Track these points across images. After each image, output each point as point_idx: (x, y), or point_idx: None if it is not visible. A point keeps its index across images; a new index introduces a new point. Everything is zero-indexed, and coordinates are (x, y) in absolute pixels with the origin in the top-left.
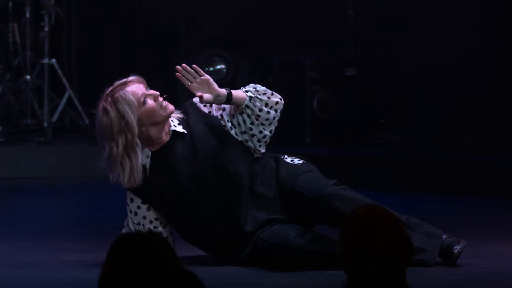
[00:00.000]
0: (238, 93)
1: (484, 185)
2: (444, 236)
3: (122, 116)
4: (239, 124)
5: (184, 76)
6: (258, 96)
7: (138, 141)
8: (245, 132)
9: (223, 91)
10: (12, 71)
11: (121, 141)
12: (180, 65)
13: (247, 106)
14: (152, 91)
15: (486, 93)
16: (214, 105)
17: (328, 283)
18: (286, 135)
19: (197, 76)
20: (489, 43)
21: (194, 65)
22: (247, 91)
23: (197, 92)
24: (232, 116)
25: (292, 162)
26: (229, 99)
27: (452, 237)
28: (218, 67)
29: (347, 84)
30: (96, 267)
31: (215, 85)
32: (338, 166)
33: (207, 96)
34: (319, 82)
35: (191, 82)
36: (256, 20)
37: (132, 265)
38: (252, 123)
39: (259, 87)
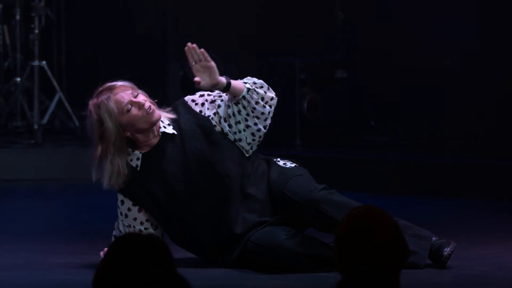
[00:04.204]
0: (236, 83)
1: (473, 187)
2: (433, 238)
3: (101, 122)
4: (233, 114)
5: (191, 55)
6: (256, 89)
7: (112, 149)
8: (239, 122)
9: (223, 80)
10: (2, 73)
11: (100, 146)
12: (187, 49)
13: (243, 97)
14: (139, 99)
15: (475, 96)
16: (206, 104)
17: (317, 284)
18: (275, 137)
19: (203, 59)
20: (484, 45)
21: (202, 49)
22: (245, 83)
23: (197, 75)
24: (227, 106)
25: (284, 165)
26: (227, 88)
27: (442, 239)
28: None
29: (337, 86)
30: (84, 269)
31: (217, 74)
32: (328, 168)
33: (203, 83)
34: (309, 84)
35: (195, 63)
36: (246, 22)
37: (127, 265)
38: (247, 115)
39: (256, 80)
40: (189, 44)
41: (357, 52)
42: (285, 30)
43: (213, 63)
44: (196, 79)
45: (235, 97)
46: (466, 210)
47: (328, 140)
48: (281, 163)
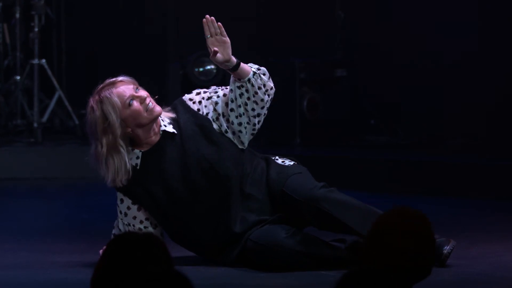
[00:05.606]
0: (245, 66)
1: (473, 187)
2: None
3: (105, 117)
4: (235, 98)
5: (208, 27)
6: (260, 74)
7: (121, 142)
8: (239, 106)
9: (233, 58)
10: (2, 72)
11: (105, 141)
12: (205, 20)
13: (249, 80)
14: (140, 93)
15: (476, 96)
16: (204, 102)
17: (317, 283)
18: (275, 137)
19: (219, 33)
20: (484, 45)
21: (219, 23)
22: (251, 67)
23: (213, 47)
24: (230, 91)
25: (283, 164)
26: (235, 67)
27: (442, 238)
28: (208, 67)
29: (337, 85)
30: (85, 268)
31: (230, 50)
32: (327, 167)
33: (219, 56)
34: (309, 84)
35: (211, 36)
36: (246, 22)
37: (125, 264)
38: (248, 98)
39: (260, 67)
40: (207, 16)
41: (357, 52)
42: (285, 30)
43: (228, 39)
44: (215, 49)
45: (240, 80)
46: (466, 210)
47: (328, 140)
48: (279, 161)
